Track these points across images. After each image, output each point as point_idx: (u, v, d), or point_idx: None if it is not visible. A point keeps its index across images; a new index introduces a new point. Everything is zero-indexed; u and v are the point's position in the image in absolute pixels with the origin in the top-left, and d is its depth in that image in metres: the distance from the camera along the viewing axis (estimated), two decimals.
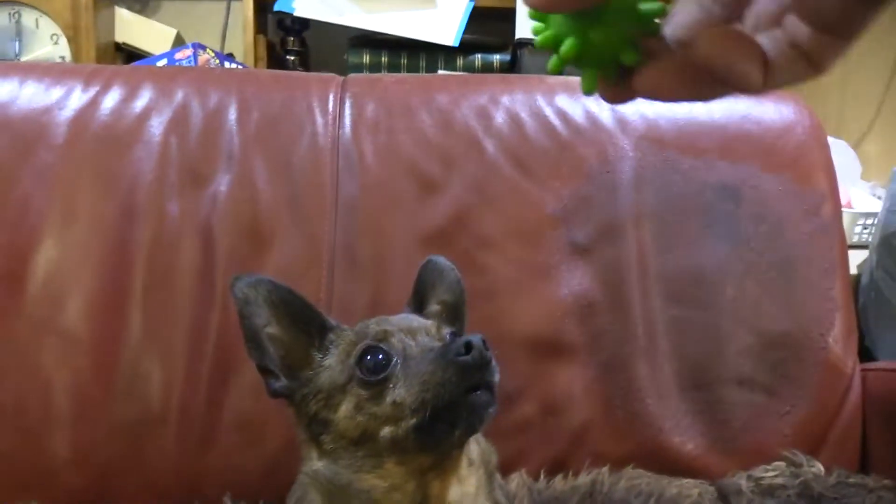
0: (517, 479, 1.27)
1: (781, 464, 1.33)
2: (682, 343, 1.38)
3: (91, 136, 1.44)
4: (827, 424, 1.40)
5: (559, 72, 0.48)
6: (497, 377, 0.75)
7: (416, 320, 0.86)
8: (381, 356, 0.77)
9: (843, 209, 1.57)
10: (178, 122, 1.45)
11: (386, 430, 0.74)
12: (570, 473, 1.30)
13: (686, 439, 1.35)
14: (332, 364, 0.83)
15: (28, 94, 1.46)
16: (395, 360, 0.77)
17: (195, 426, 1.33)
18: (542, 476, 1.30)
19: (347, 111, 1.46)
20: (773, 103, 1.54)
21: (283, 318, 0.86)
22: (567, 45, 0.43)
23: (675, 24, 0.40)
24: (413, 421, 0.73)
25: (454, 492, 0.79)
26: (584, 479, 1.28)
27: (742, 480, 1.29)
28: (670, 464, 1.33)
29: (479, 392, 0.72)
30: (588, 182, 1.43)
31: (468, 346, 0.71)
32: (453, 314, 0.96)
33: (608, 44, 0.43)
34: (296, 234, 1.38)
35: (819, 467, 1.32)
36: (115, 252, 1.37)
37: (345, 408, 0.78)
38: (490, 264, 1.38)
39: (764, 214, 1.45)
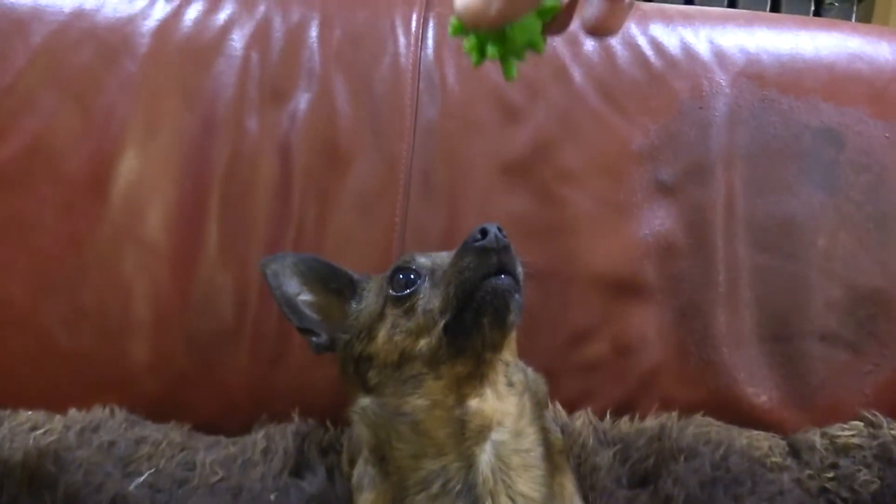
0: (582, 418, 1.26)
1: (859, 423, 1.27)
2: (765, 292, 1.32)
3: (174, 47, 1.43)
4: None
5: (480, 63, 0.60)
6: (519, 267, 0.77)
7: (447, 252, 0.88)
8: (410, 274, 0.82)
9: None
10: (260, 36, 1.43)
11: (422, 343, 0.77)
12: (637, 416, 1.28)
13: (760, 391, 1.31)
14: (368, 302, 0.88)
15: (112, 3, 1.45)
16: (424, 275, 0.81)
17: (267, 342, 1.35)
18: (608, 416, 1.29)
19: (431, 32, 1.41)
20: (888, 42, 1.43)
21: (313, 284, 0.94)
22: (491, 50, 0.57)
23: None
24: (443, 321, 0.75)
25: (494, 406, 0.79)
26: (651, 422, 1.26)
27: (816, 437, 1.25)
28: (742, 415, 1.30)
29: (501, 277, 0.73)
30: (679, 118, 1.36)
31: (483, 232, 0.74)
32: None
33: (521, 41, 0.57)
34: (373, 156, 1.36)
35: None
36: (194, 165, 1.38)
37: (382, 332, 0.81)
38: (569, 198, 1.34)
39: (867, 163, 1.36)
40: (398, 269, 0.83)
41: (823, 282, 1.33)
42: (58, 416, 1.28)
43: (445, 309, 0.75)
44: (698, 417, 1.27)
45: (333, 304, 0.93)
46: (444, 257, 0.84)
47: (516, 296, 0.75)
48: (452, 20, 0.57)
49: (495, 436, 0.79)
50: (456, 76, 1.38)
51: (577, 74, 1.38)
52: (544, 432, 0.84)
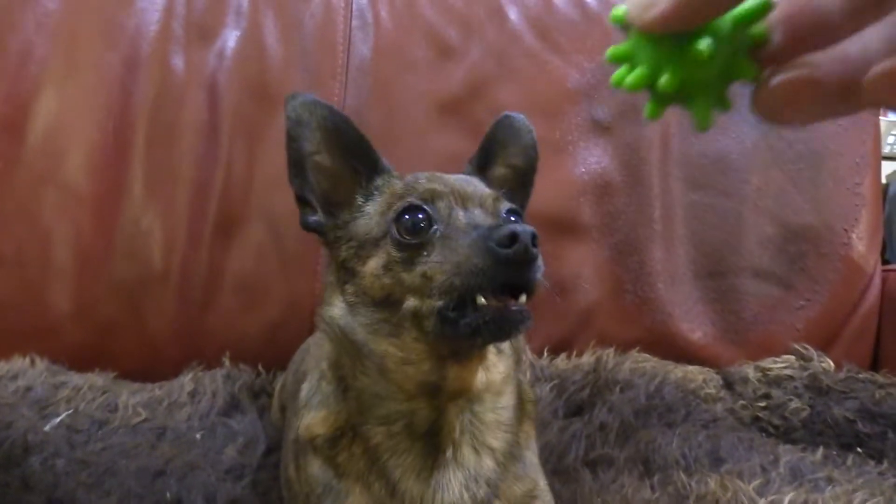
0: None
1: (791, 357, 1.30)
2: (699, 229, 1.33)
3: None
4: (842, 322, 1.36)
5: (659, 115, 0.40)
6: (540, 274, 0.64)
7: (474, 184, 0.74)
8: (421, 217, 0.68)
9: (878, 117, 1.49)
10: None
11: (410, 301, 0.67)
12: (574, 353, 1.28)
13: (695, 327, 1.32)
14: (371, 212, 0.74)
15: None
16: (435, 226, 0.68)
17: (196, 287, 1.31)
18: (545, 354, 1.28)
19: None
20: None
21: (335, 148, 0.78)
22: (666, 80, 0.37)
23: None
24: (439, 303, 0.64)
25: (478, 378, 0.71)
26: (587, 358, 1.26)
27: (749, 370, 1.26)
28: (677, 350, 1.31)
29: (515, 308, 0.62)
30: None
31: (513, 238, 0.60)
32: (520, 182, 0.86)
33: (716, 67, 0.37)
34: None
35: (829, 363, 1.29)
36: (117, 105, 1.33)
37: (373, 263, 0.70)
38: None
39: None
40: (410, 208, 0.69)
41: (756, 219, 1.34)
42: None
43: (446, 292, 0.64)
44: (634, 353, 1.27)
45: (346, 180, 0.77)
46: (469, 196, 0.71)
47: (523, 325, 0.63)
48: (610, 51, 0.39)
49: (475, 400, 0.72)
50: (389, 13, 1.35)
51: (512, 13, 1.36)
52: (518, 384, 0.78)
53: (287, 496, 0.81)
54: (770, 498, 0.87)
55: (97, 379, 1.20)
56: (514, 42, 1.35)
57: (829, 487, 0.92)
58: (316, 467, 0.74)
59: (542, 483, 0.79)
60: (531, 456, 0.80)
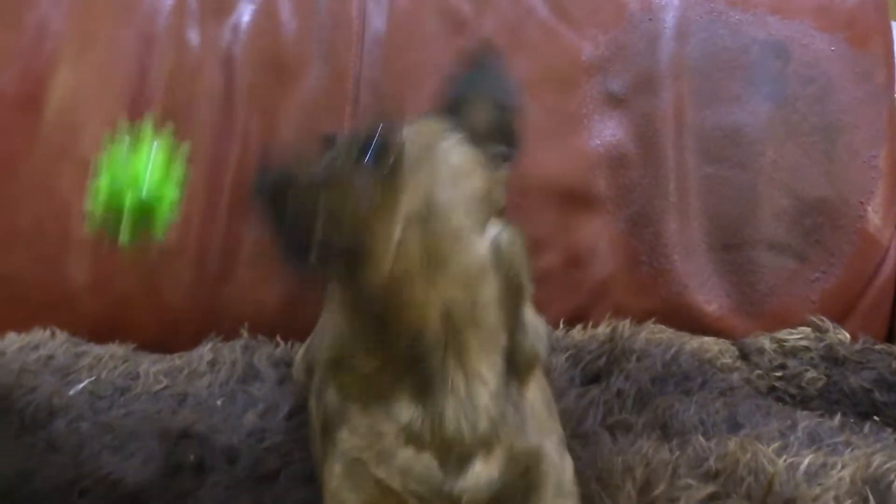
0: None
1: (807, 329, 1.30)
2: (714, 202, 1.33)
3: None
4: (857, 294, 1.36)
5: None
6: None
7: None
8: None
9: None
10: None
11: None
12: (591, 325, 1.28)
13: (710, 298, 1.32)
14: None
15: None
16: None
17: (213, 259, 1.32)
18: (561, 325, 1.28)
19: None
20: None
21: None
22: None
23: None
24: None
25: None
26: (603, 329, 1.26)
27: (765, 341, 1.26)
28: (692, 322, 1.31)
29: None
30: (628, 29, 1.35)
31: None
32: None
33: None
34: (320, 69, 1.32)
35: (845, 334, 1.29)
36: (133, 80, 1.33)
37: None
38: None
39: (813, 75, 1.37)
40: None
41: (771, 191, 1.34)
42: None
43: None
44: (650, 324, 1.27)
45: None
46: None
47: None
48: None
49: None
50: None
51: None
52: (516, 340, 0.70)
53: (310, 437, 0.84)
54: (790, 459, 0.87)
55: (117, 349, 1.21)
56: (528, 15, 1.35)
57: (848, 451, 0.93)
58: (332, 395, 0.75)
59: (548, 447, 0.73)
60: (532, 414, 0.73)
